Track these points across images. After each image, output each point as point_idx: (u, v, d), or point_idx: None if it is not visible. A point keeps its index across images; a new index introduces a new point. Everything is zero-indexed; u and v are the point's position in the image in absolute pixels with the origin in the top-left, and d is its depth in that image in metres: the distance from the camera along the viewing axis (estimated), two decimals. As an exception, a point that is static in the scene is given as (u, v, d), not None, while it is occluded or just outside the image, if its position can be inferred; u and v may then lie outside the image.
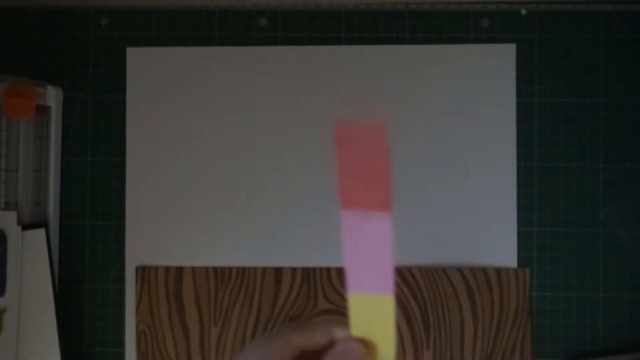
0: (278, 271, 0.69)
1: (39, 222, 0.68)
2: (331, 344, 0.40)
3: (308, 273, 0.69)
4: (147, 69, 0.71)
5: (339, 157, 0.40)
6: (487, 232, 0.69)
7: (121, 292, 0.70)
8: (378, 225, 0.40)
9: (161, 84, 0.71)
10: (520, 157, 0.69)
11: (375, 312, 0.41)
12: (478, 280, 0.68)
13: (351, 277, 0.41)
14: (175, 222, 0.70)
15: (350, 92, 0.70)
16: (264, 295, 0.69)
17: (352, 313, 0.41)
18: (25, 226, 0.68)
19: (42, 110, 0.69)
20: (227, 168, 0.70)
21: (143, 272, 0.70)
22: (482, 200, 0.69)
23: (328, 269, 0.69)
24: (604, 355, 0.68)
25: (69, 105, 0.71)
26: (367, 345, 0.40)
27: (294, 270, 0.69)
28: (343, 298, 0.69)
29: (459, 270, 0.68)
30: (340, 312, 0.69)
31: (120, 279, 0.70)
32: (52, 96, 0.69)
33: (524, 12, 0.70)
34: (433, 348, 0.68)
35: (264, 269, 0.69)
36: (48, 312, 0.67)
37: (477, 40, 0.70)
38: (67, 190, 0.71)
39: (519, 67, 0.70)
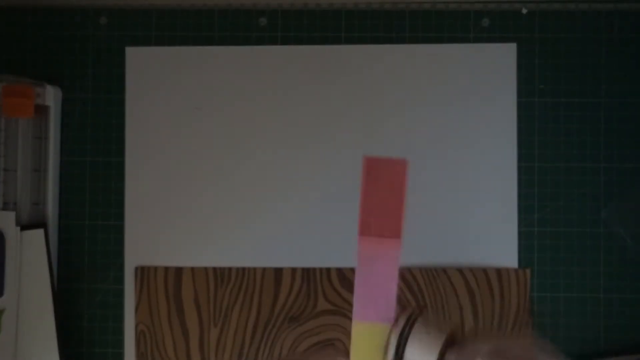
0: (278, 271, 0.69)
1: (37, 223, 0.68)
2: None
3: (308, 273, 0.69)
4: (147, 68, 0.71)
5: (364, 189, 0.45)
6: (487, 233, 0.69)
7: (120, 292, 0.70)
8: (389, 251, 0.46)
9: (161, 84, 0.71)
10: (520, 157, 0.69)
11: (375, 340, 0.46)
12: (478, 280, 0.68)
13: (358, 307, 0.46)
14: (174, 222, 0.70)
15: (350, 92, 0.70)
16: (264, 296, 0.69)
17: (353, 341, 0.46)
18: (24, 226, 0.67)
19: (41, 110, 0.69)
20: (226, 168, 0.70)
21: (142, 272, 0.69)
22: (482, 200, 0.69)
23: (328, 269, 0.69)
24: (604, 356, 0.68)
25: (68, 105, 0.71)
26: None
27: (293, 270, 0.69)
28: (343, 298, 0.68)
29: (460, 270, 0.68)
30: (340, 313, 0.69)
31: (120, 279, 0.70)
32: (51, 96, 0.69)
33: (524, 11, 0.70)
34: (433, 349, 0.68)
35: (264, 269, 0.69)
36: (47, 312, 0.67)
37: (478, 40, 0.70)
38: (66, 191, 0.71)
39: (520, 66, 0.69)
